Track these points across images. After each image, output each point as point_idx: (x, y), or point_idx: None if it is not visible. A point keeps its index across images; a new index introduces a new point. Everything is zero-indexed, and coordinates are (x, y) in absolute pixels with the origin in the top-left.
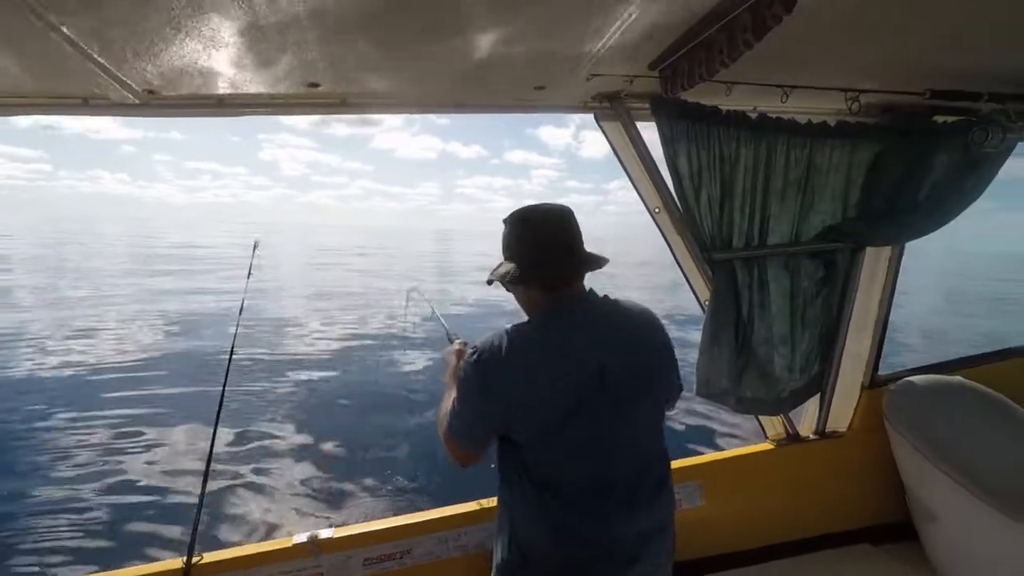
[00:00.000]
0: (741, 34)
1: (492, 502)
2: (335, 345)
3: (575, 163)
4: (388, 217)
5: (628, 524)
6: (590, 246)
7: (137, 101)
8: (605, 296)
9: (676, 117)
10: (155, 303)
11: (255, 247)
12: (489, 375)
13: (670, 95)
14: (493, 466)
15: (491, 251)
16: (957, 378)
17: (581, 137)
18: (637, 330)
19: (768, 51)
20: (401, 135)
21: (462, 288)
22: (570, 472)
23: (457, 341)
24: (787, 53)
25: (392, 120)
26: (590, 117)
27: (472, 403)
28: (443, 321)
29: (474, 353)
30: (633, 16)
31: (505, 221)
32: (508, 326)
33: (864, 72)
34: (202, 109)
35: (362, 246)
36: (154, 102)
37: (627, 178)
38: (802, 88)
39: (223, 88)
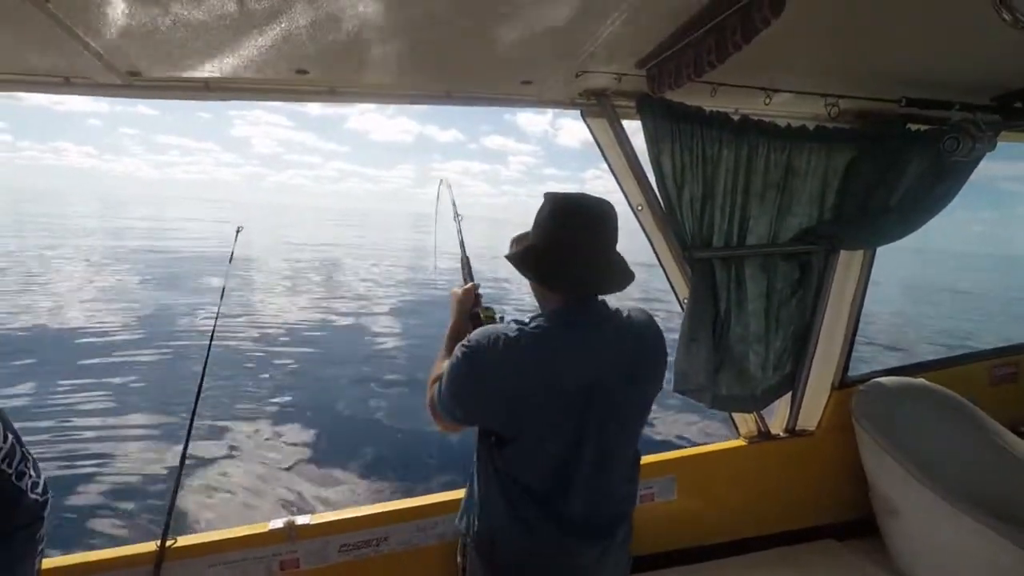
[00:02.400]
0: (730, 36)
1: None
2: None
3: (552, 150)
4: (365, 199)
5: (586, 535)
6: None
7: (120, 82)
8: (616, 308)
9: (661, 116)
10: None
11: (238, 232)
12: (477, 371)
13: (656, 94)
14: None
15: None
16: (921, 381)
17: (558, 124)
18: (636, 345)
19: (754, 54)
20: (377, 116)
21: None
22: (538, 479)
23: (467, 285)
24: (772, 57)
25: None
26: None
27: (457, 391)
28: (463, 244)
29: (467, 344)
30: (623, 17)
31: (545, 200)
32: (508, 322)
33: (844, 78)
34: (187, 92)
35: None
36: (137, 83)
37: (609, 172)
38: (784, 92)
39: (209, 71)
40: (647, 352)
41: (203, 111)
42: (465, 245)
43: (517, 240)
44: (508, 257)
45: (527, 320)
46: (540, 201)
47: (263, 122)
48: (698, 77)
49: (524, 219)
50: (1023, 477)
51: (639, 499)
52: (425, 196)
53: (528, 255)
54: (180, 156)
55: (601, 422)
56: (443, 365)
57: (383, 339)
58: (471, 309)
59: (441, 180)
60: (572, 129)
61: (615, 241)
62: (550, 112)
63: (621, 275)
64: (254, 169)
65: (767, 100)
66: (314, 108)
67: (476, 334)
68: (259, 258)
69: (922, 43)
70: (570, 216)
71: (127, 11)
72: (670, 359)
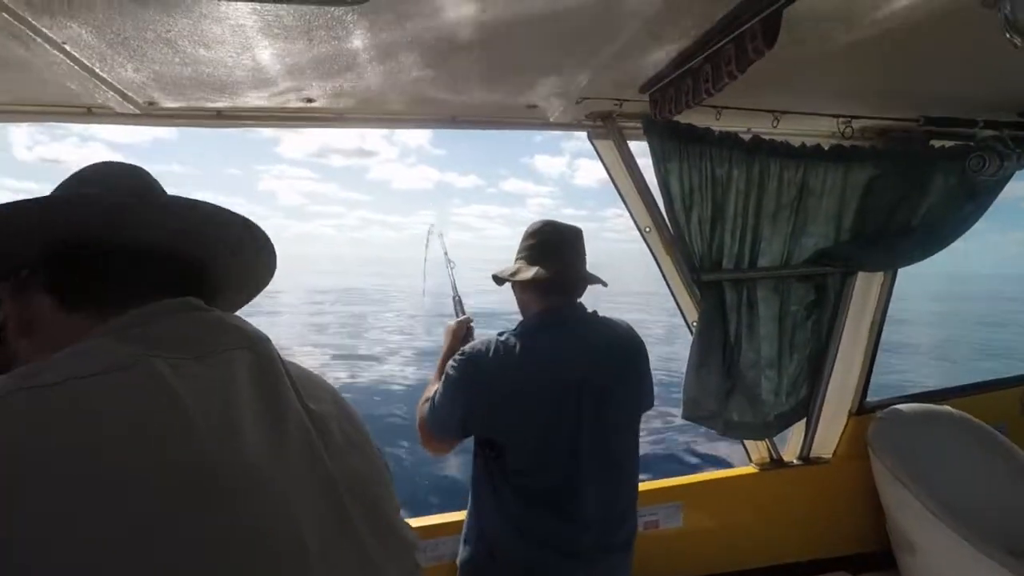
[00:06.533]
0: (725, 65)
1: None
2: None
3: (570, 191)
4: (388, 246)
5: (593, 533)
6: (590, 268)
7: (138, 111)
8: (594, 312)
9: (668, 138)
10: None
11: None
12: (471, 377)
13: (659, 118)
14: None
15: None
16: (946, 408)
17: (575, 165)
18: (620, 349)
19: (759, 77)
20: (397, 166)
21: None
22: (542, 480)
23: (460, 318)
24: (778, 79)
25: (388, 151)
26: (584, 144)
27: (451, 401)
28: (455, 285)
29: (461, 354)
30: (621, 45)
31: (529, 227)
32: (499, 333)
33: (856, 98)
34: (201, 120)
35: None
36: (154, 112)
37: (618, 197)
38: (793, 114)
39: (221, 101)
40: (631, 351)
41: (232, 167)
42: (456, 287)
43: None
44: (500, 276)
45: (515, 328)
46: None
47: (288, 176)
48: (697, 103)
49: None
50: None
51: (643, 526)
52: (447, 240)
53: (522, 264)
54: None
55: (596, 414)
56: (434, 387)
57: None
58: (463, 340)
59: (430, 228)
60: (589, 169)
61: (584, 253)
62: (567, 154)
63: (592, 278)
64: (281, 220)
65: (775, 123)
66: (337, 160)
67: (469, 345)
68: None
69: (938, 65)
70: (550, 233)
71: (140, 50)
72: (680, 384)
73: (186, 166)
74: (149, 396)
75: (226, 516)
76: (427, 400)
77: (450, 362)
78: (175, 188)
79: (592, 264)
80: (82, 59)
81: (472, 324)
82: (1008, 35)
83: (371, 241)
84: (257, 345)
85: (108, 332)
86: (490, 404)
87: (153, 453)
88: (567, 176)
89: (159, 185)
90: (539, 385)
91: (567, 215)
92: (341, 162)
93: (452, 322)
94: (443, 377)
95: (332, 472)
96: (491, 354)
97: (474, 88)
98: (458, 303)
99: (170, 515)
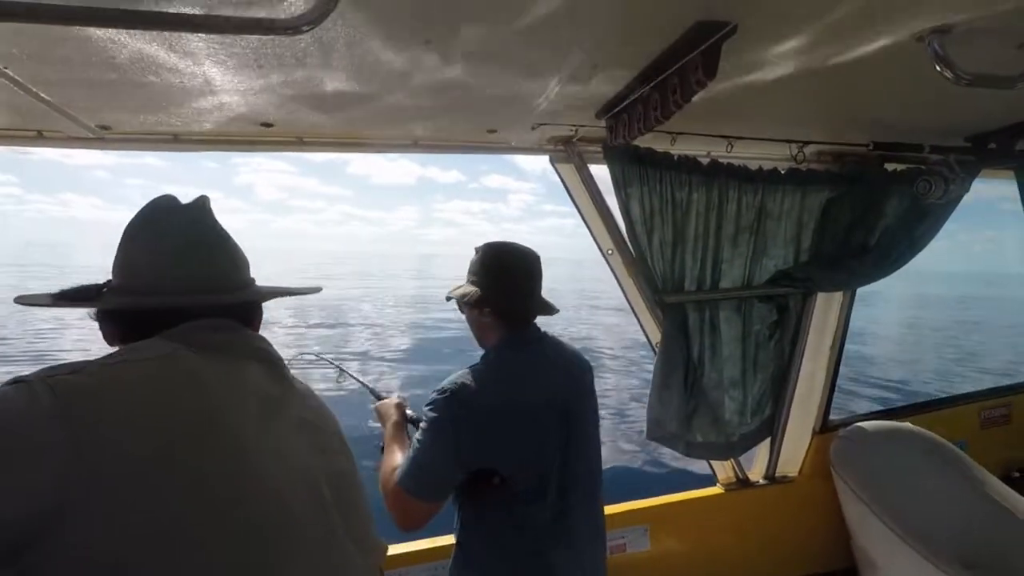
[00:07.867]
0: (671, 95)
1: (442, 540)
2: None
3: (552, 187)
4: (369, 242)
5: (584, 553)
6: (570, 265)
7: (91, 135)
8: (545, 332)
9: (628, 162)
10: None
11: None
12: (462, 406)
13: (613, 144)
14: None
15: None
16: (907, 425)
17: None
18: (577, 368)
19: (711, 105)
20: (378, 160)
21: None
22: (543, 505)
23: (394, 396)
24: (731, 106)
25: None
26: None
27: (440, 444)
28: (361, 379)
29: (443, 391)
30: (568, 75)
31: (477, 249)
32: (469, 366)
33: (808, 125)
34: (157, 144)
35: None
36: (108, 136)
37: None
38: (747, 139)
39: (177, 125)
40: (584, 369)
41: (208, 160)
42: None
43: (457, 289)
44: (462, 298)
45: (480, 360)
46: (540, 237)
47: (266, 169)
48: (648, 131)
49: None
50: (1012, 530)
51: (610, 550)
52: (429, 238)
53: (484, 293)
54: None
55: (577, 433)
56: (395, 458)
57: None
58: (401, 416)
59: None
60: None
61: (541, 280)
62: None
63: (548, 305)
64: (260, 215)
65: (729, 147)
66: (316, 155)
67: (444, 383)
68: None
69: (883, 95)
70: (513, 258)
71: (85, 75)
72: (643, 406)
73: (161, 160)
74: (180, 374)
75: (222, 458)
76: (393, 469)
77: (428, 407)
78: (152, 183)
79: (577, 261)
80: (25, 83)
81: (406, 402)
82: (939, 68)
83: (353, 236)
84: (271, 361)
85: (162, 336)
86: (486, 429)
87: (174, 402)
88: (549, 172)
89: (204, 224)
90: (527, 406)
91: (548, 210)
92: (320, 157)
93: (380, 403)
94: (427, 422)
95: (313, 464)
96: (474, 383)
97: (434, 114)
98: (373, 392)
99: (180, 444)
